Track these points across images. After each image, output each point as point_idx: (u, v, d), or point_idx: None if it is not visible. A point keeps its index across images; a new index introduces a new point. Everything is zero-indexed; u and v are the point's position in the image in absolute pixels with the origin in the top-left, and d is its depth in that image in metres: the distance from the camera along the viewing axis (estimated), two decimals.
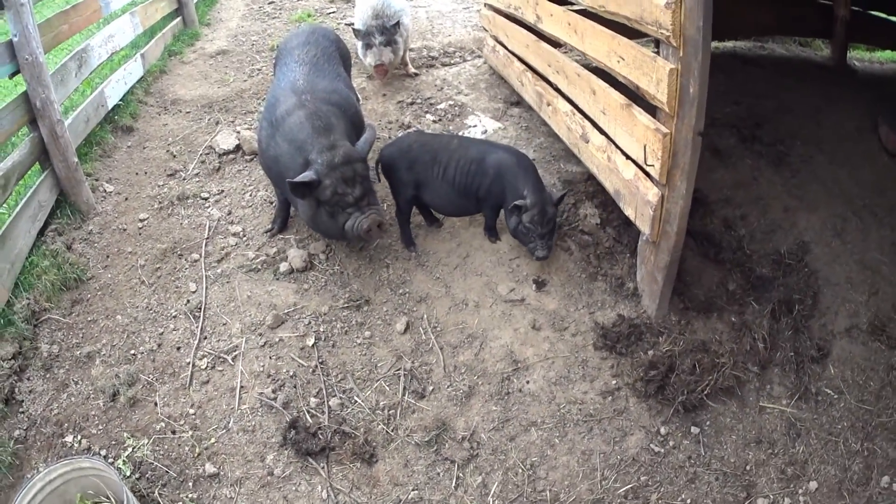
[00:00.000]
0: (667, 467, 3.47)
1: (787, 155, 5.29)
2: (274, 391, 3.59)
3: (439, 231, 4.39)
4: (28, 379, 3.55)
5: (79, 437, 3.37)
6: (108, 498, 3.11)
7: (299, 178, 3.57)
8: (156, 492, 3.21)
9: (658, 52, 3.45)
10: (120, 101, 5.39)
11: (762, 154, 5.24)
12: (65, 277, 3.97)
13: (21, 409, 3.44)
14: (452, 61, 6.52)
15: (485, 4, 6.07)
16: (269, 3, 8.06)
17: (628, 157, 3.77)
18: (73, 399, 3.52)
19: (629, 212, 3.87)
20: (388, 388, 3.64)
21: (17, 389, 3.49)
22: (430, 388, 3.66)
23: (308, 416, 3.51)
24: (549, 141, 5.14)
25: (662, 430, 3.59)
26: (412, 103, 5.57)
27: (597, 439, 3.54)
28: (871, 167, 5.39)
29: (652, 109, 3.52)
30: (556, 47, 4.70)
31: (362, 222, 3.68)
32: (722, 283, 4.24)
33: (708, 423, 3.66)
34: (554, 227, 4.03)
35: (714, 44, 6.53)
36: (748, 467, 3.53)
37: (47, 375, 3.58)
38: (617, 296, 4.08)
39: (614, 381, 3.72)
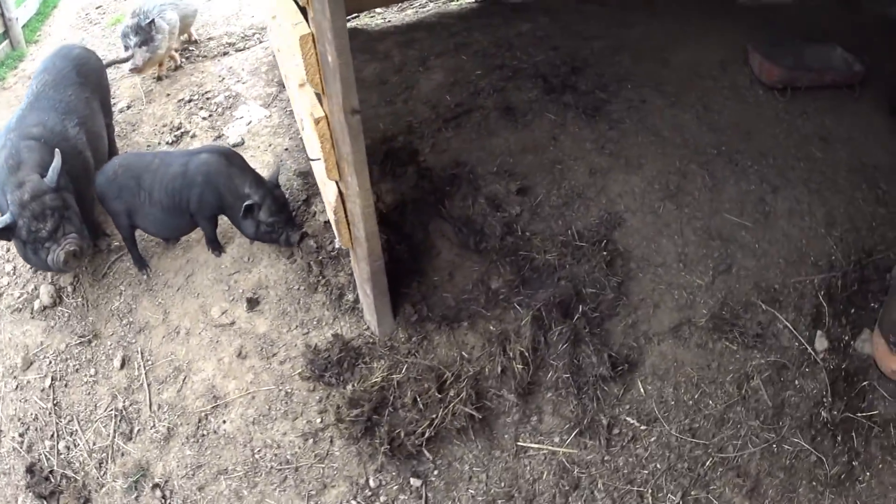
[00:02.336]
0: None
1: (607, 103, 4.10)
2: (21, 435, 3.64)
3: (174, 247, 4.03)
4: None
5: None
6: None
7: None
8: None
9: None
10: None
11: (572, 105, 4.10)
12: None
13: None
14: (248, 45, 5.86)
15: None
16: (97, 8, 7.46)
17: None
18: None
19: (329, 214, 3.29)
20: (103, 430, 3.55)
21: None
22: (137, 428, 3.51)
23: (45, 459, 3.55)
24: None
25: (372, 482, 3.13)
26: (189, 100, 5.07)
27: (290, 492, 3.18)
28: (738, 105, 4.25)
29: None
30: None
31: (59, 255, 3.54)
32: (482, 281, 3.45)
33: (436, 472, 3.11)
34: (289, 206, 3.70)
35: None
36: None
37: None
38: (336, 310, 3.53)
39: (319, 420, 3.29)
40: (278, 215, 3.59)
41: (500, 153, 4.01)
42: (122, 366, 3.70)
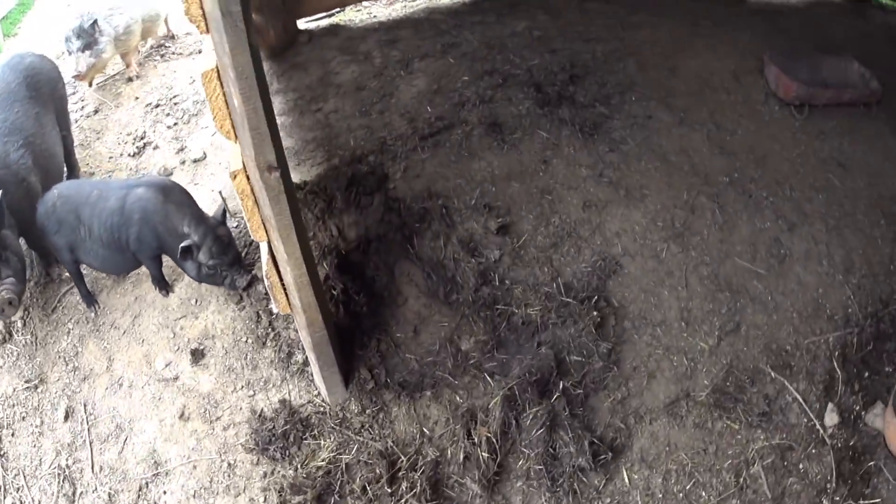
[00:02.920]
0: None
1: (608, 119, 3.51)
2: None
3: (124, 280, 3.68)
4: None
5: None
6: None
7: None
8: None
9: None
10: None
11: (568, 122, 3.50)
12: None
13: None
14: None
15: None
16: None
17: None
18: None
19: (263, 276, 2.83)
20: (48, 488, 3.27)
21: None
22: (80, 490, 3.22)
23: None
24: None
25: None
26: (157, 105, 4.63)
27: None
28: (753, 124, 3.69)
29: None
30: None
31: None
32: (451, 341, 2.99)
33: None
34: (236, 249, 3.27)
35: None
36: None
37: None
38: (285, 371, 3.16)
39: (263, 499, 2.95)
40: (221, 257, 3.18)
41: (482, 180, 3.51)
42: (66, 418, 3.40)
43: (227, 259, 3.21)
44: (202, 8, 1.96)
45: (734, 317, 3.07)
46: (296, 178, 3.81)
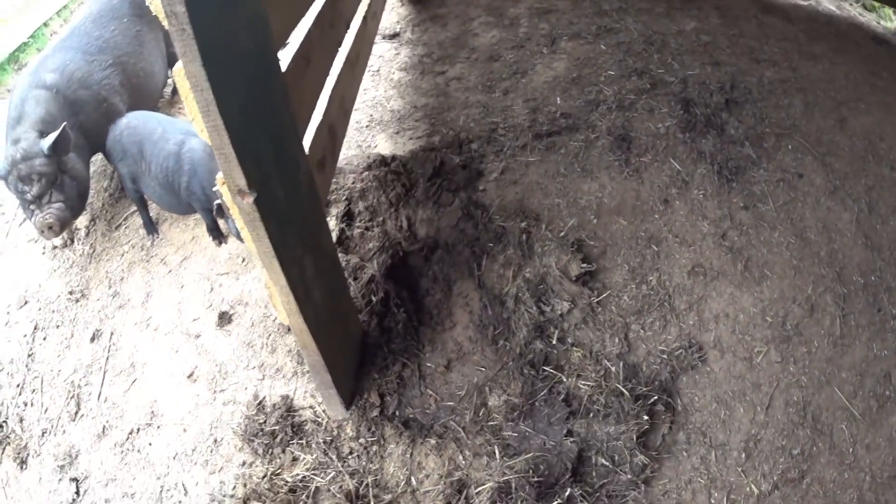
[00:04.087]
0: None
1: (755, 165, 3.13)
2: None
3: (188, 217, 3.89)
4: None
5: None
6: None
7: None
8: None
9: None
10: None
11: (707, 157, 3.19)
12: None
13: None
14: None
15: None
16: None
17: None
18: None
19: None
20: (58, 400, 3.60)
21: None
22: (82, 413, 3.51)
23: (4, 406, 3.73)
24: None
25: None
26: None
27: None
28: None
29: None
30: None
31: (36, 223, 3.63)
32: (480, 391, 2.91)
33: None
34: None
35: None
36: None
37: None
38: (298, 366, 3.17)
39: (233, 487, 3.02)
40: None
41: (585, 207, 3.30)
42: (93, 339, 3.68)
43: None
44: None
45: (802, 464, 2.68)
46: (388, 147, 3.81)
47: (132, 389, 3.46)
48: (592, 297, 3.09)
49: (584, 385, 2.90)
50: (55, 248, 4.13)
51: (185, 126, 3.70)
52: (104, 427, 3.42)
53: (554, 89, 3.84)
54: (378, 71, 4.45)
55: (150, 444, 3.28)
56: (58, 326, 3.84)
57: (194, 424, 3.23)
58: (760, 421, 2.79)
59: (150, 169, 3.61)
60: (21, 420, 3.65)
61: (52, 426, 3.55)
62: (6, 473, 3.55)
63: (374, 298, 3.18)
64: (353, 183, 3.57)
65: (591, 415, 2.82)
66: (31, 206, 3.64)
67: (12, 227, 4.42)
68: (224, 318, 3.43)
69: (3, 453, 3.60)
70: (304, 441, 2.99)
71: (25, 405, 3.68)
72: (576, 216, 3.30)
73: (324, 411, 3.05)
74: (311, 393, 3.13)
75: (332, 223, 3.46)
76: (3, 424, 3.68)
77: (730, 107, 3.68)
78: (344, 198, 3.53)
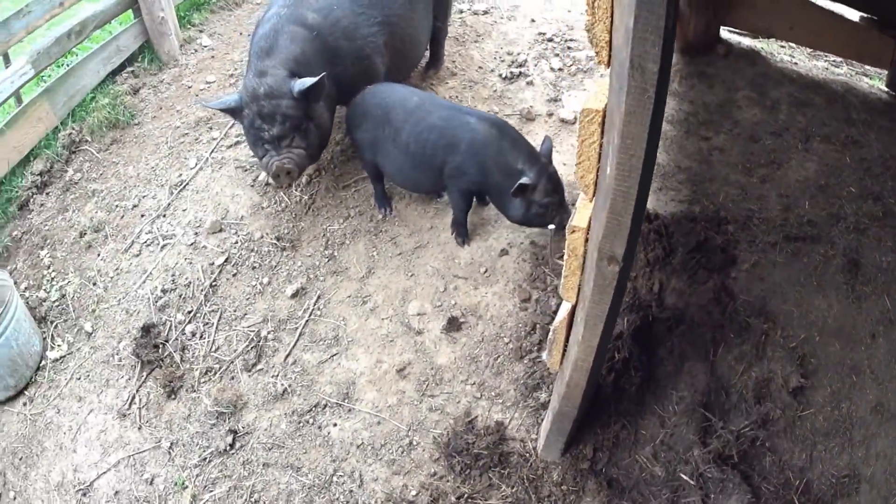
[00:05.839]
0: None
1: None
2: (164, 291, 4.22)
3: (431, 202, 4.26)
4: (46, 194, 4.87)
5: (48, 254, 4.58)
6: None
7: (217, 105, 3.95)
8: (56, 322, 4.37)
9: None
10: None
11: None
12: (115, 118, 5.10)
13: (28, 216, 4.81)
14: None
15: None
16: None
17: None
18: (62, 223, 4.71)
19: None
20: (234, 342, 3.98)
21: (33, 200, 4.88)
22: (261, 366, 3.88)
23: (167, 328, 4.12)
24: None
25: None
26: (551, 39, 5.24)
27: None
28: None
29: None
30: None
31: (271, 165, 3.90)
32: (673, 477, 3.30)
33: None
34: (563, 187, 3.82)
35: None
36: None
37: (60, 196, 4.83)
38: (521, 397, 3.48)
39: (414, 493, 3.39)
40: (553, 195, 3.67)
41: (812, 322, 3.61)
42: (294, 296, 4.01)
43: (557, 198, 3.69)
44: (609, 34, 1.94)
45: None
46: (651, 202, 4.07)
47: (328, 363, 3.79)
48: (798, 411, 3.44)
49: (765, 487, 3.26)
50: (267, 184, 4.49)
51: (451, 104, 4.00)
52: (285, 390, 3.74)
53: (804, 192, 4.12)
54: None
55: (335, 425, 3.58)
56: (254, 268, 4.18)
57: (390, 421, 3.53)
58: None
59: (396, 137, 3.89)
60: (183, 349, 4.01)
61: (221, 368, 3.90)
62: (148, 395, 3.92)
63: (616, 356, 3.52)
64: None
65: None
66: (266, 146, 3.90)
67: (220, 146, 4.86)
68: (453, 324, 3.73)
69: (149, 373, 3.98)
70: (505, 472, 3.29)
71: (193, 335, 4.03)
72: (805, 329, 3.58)
73: (534, 449, 3.36)
74: (526, 427, 3.43)
75: None
76: (161, 345, 4.02)
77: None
78: None
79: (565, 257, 2.61)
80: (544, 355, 3.16)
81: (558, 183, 3.74)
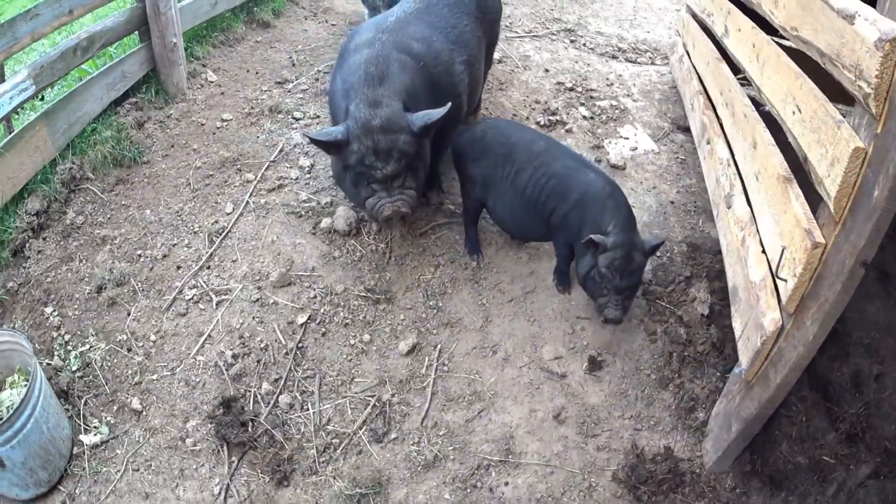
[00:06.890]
0: None
1: None
2: (235, 357, 3.89)
3: (521, 248, 4.32)
4: (43, 239, 4.31)
5: (56, 313, 4.06)
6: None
7: (320, 136, 3.64)
8: (84, 398, 3.81)
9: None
10: None
11: None
12: (120, 154, 4.69)
13: (24, 265, 4.22)
14: (638, 59, 6.42)
15: (686, 5, 5.98)
16: None
17: (764, 251, 3.36)
18: (69, 275, 4.19)
19: (736, 324, 3.51)
20: (349, 412, 3.77)
21: (28, 245, 4.27)
22: (394, 434, 3.71)
23: (250, 401, 3.77)
24: (700, 187, 4.77)
25: None
26: (572, 89, 5.46)
27: None
28: None
29: (815, 199, 3.03)
30: (736, 73, 4.35)
31: (384, 208, 3.73)
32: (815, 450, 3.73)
33: None
34: (637, 284, 3.83)
35: None
36: None
37: (60, 243, 4.30)
38: (679, 421, 3.77)
39: None
40: (614, 275, 3.70)
41: (872, 323, 4.22)
42: (409, 353, 3.93)
43: (617, 282, 3.72)
44: (890, 92, 2.37)
45: None
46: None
47: (477, 420, 3.78)
48: (881, 393, 3.98)
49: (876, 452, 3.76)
50: (332, 232, 4.35)
51: (576, 154, 4.11)
52: (435, 456, 3.65)
53: None
54: None
55: (507, 484, 3.60)
56: (346, 325, 4.05)
57: (563, 468, 3.65)
58: None
59: (514, 178, 3.95)
60: (283, 424, 3.71)
61: (342, 443, 3.68)
62: (248, 486, 3.58)
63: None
64: (711, 263, 4.33)
65: None
66: (375, 186, 3.71)
67: (258, 189, 4.65)
68: (594, 364, 3.93)
69: (240, 458, 3.64)
70: (687, 490, 3.59)
71: (290, 407, 3.77)
72: (866, 330, 4.23)
73: (700, 464, 3.67)
74: (689, 447, 3.73)
75: (704, 296, 4.16)
76: (250, 422, 3.68)
77: None
78: (703, 274, 4.26)
79: (796, 273, 2.96)
80: (743, 363, 3.36)
81: (632, 272, 3.76)
